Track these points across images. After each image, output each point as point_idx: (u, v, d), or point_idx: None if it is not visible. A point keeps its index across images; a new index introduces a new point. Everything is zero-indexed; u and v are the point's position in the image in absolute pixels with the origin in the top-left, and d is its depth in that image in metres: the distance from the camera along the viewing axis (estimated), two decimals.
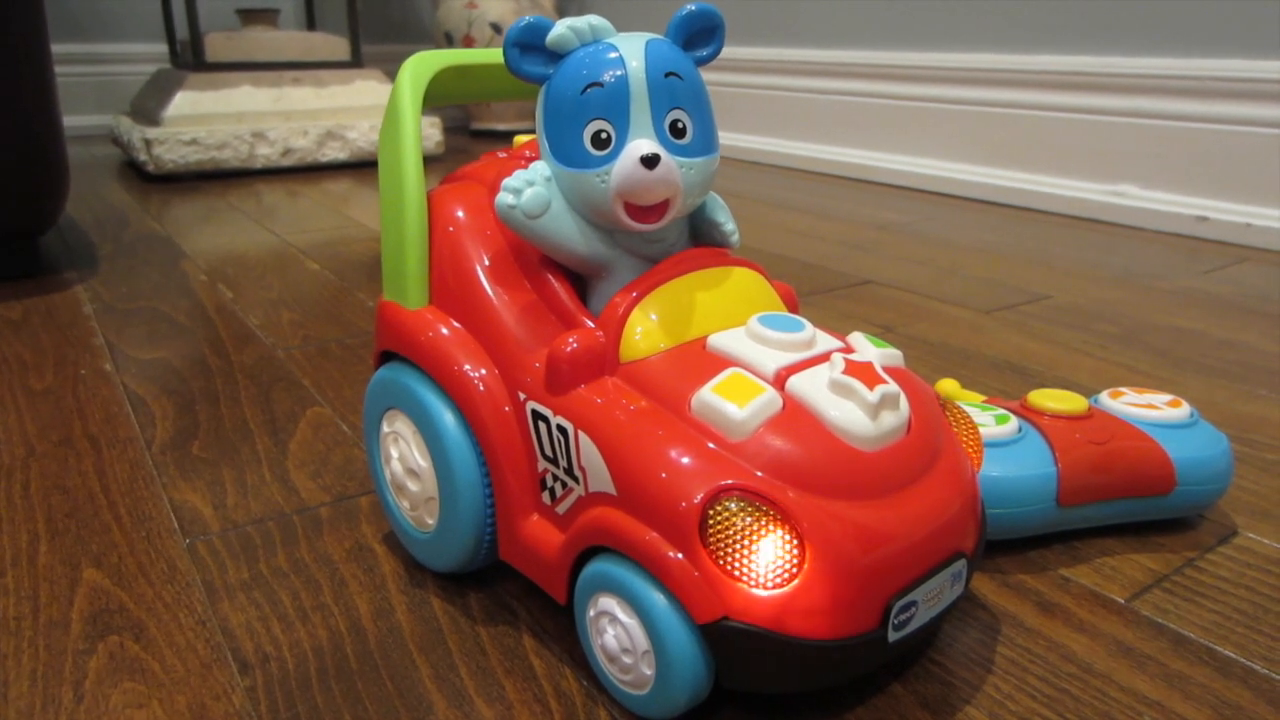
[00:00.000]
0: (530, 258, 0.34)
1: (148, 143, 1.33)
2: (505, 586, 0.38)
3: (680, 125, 0.31)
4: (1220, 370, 0.63)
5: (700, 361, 0.31)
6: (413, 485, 0.37)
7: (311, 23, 1.83)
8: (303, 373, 0.62)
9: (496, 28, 1.85)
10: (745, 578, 0.27)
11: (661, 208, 0.31)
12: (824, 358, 0.31)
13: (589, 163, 0.30)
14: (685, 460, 0.28)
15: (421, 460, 0.36)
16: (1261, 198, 0.99)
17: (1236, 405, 0.57)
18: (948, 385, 0.47)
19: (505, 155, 0.39)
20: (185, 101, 1.37)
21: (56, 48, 0.86)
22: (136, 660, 0.34)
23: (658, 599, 0.28)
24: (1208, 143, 1.03)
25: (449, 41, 1.90)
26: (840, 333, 0.34)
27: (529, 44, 0.30)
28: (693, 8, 0.31)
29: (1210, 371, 0.62)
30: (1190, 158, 1.05)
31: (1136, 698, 0.32)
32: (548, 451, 0.32)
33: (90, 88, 1.93)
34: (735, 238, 0.35)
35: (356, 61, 1.56)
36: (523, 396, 0.33)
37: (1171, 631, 0.35)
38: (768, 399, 0.29)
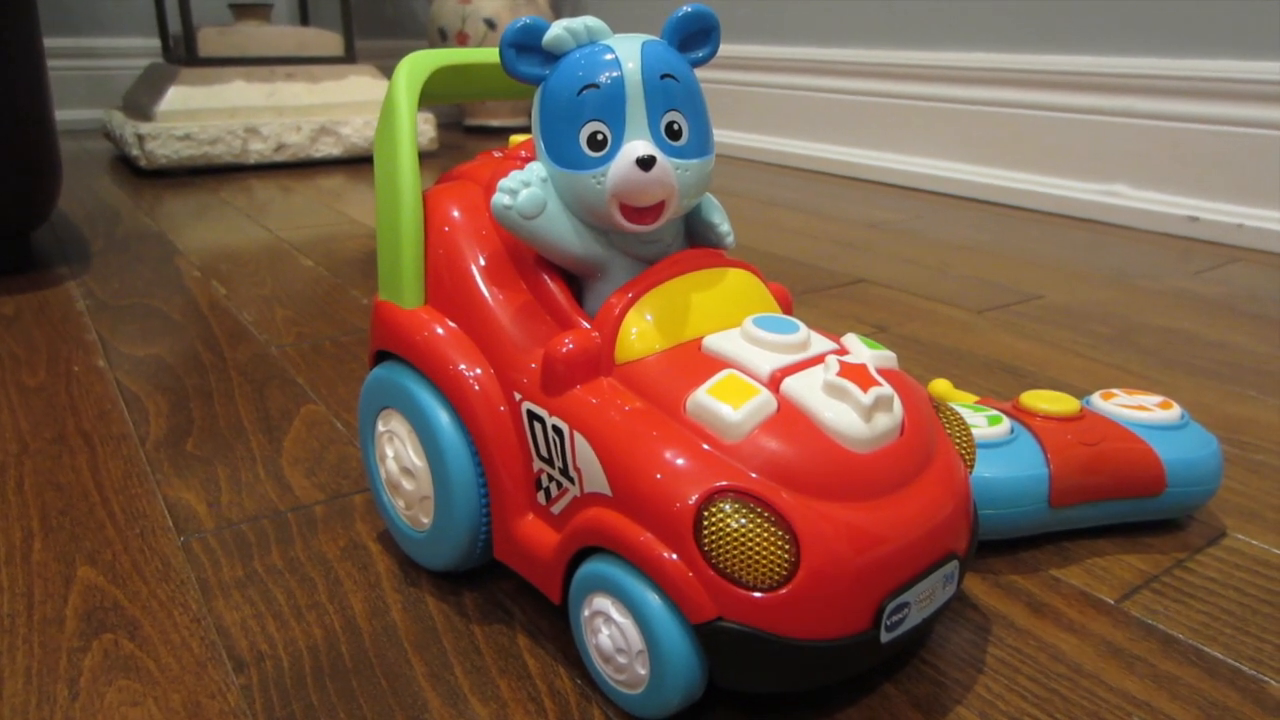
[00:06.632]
0: (526, 258, 0.34)
1: (140, 138, 1.32)
2: (500, 586, 0.38)
3: (676, 127, 0.31)
4: (1211, 371, 0.63)
5: (695, 363, 0.31)
6: (408, 484, 0.37)
7: (305, 18, 1.82)
8: (297, 370, 0.62)
9: (491, 24, 1.84)
10: (739, 578, 0.27)
11: (657, 209, 0.31)
12: (818, 359, 0.31)
13: (585, 164, 0.30)
14: (680, 461, 0.28)
15: (417, 459, 0.36)
16: (1253, 198, 1.00)
17: (1226, 406, 0.57)
18: (940, 386, 0.47)
19: (501, 155, 0.39)
20: (178, 96, 1.36)
21: (48, 42, 0.86)
22: (131, 658, 0.34)
23: (652, 599, 0.28)
24: (1200, 143, 1.03)
25: (443, 37, 1.89)
26: (834, 333, 0.34)
27: (525, 45, 0.31)
28: (689, 9, 0.32)
29: (1200, 372, 0.63)
30: (1182, 158, 1.05)
31: (1125, 698, 0.32)
32: (543, 452, 0.32)
33: (82, 82, 1.92)
34: (730, 239, 0.35)
35: (350, 57, 1.56)
36: (518, 397, 0.33)
37: (1160, 632, 0.35)
38: (762, 401, 0.29)
